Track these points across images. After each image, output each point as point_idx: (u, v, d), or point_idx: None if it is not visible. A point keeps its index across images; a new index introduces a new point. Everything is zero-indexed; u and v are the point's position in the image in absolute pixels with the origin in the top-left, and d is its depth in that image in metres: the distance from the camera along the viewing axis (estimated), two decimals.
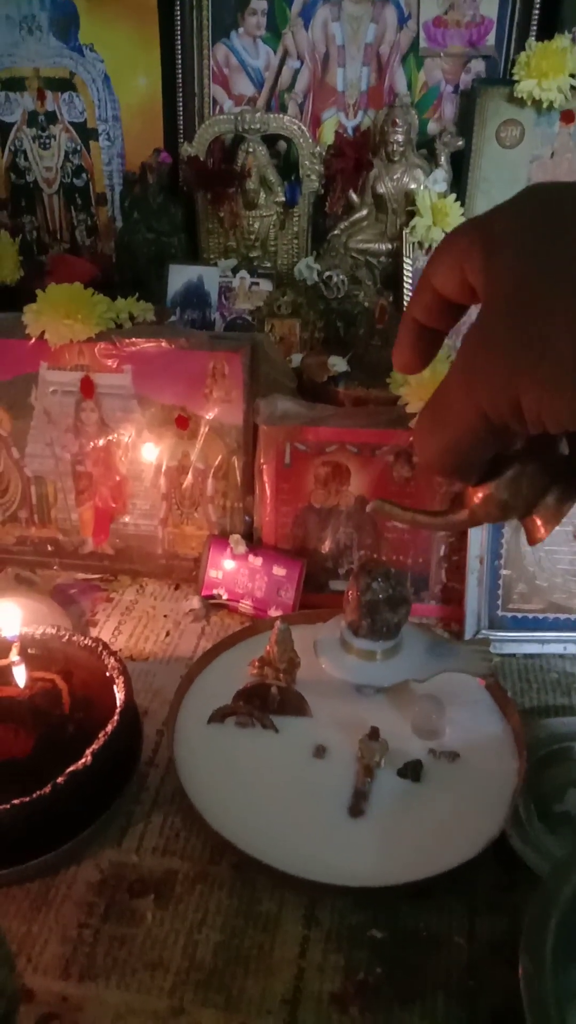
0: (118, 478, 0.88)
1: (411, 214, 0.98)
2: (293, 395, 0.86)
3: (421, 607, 0.84)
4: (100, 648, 0.68)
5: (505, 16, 0.95)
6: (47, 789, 0.55)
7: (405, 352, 0.34)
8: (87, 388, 0.85)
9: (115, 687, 0.64)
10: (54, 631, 0.70)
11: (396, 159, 0.98)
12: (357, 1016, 0.50)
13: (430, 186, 0.98)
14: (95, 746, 0.58)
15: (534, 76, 0.93)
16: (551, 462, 0.34)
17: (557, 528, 0.85)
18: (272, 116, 1.00)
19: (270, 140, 1.01)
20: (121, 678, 0.65)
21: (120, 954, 0.53)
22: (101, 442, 0.87)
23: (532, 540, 0.36)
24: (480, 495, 0.35)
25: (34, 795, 0.55)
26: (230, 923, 0.55)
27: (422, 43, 0.98)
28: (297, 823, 0.60)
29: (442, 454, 0.31)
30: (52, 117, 1.07)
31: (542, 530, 0.35)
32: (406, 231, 0.98)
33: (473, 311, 0.31)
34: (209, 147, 1.01)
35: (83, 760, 0.57)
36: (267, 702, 0.69)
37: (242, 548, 0.85)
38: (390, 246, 1.01)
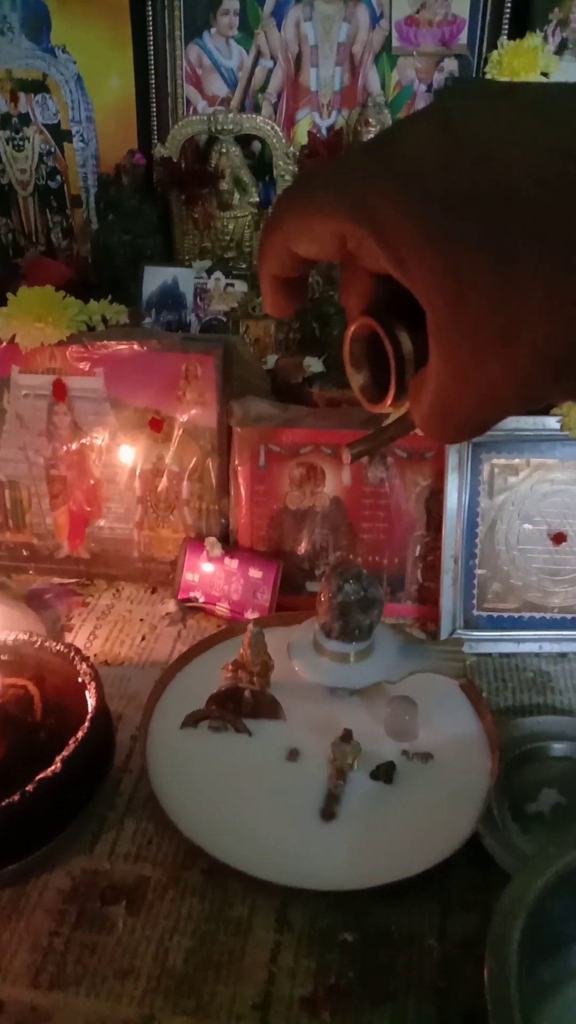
0: (92, 482, 0.88)
1: None
2: (267, 397, 0.86)
3: (397, 607, 0.84)
4: (72, 654, 0.67)
5: (477, 15, 0.96)
6: (16, 797, 0.55)
7: (271, 302, 0.32)
8: (59, 391, 0.85)
9: (87, 693, 0.64)
10: (26, 637, 0.70)
11: None
12: (328, 1020, 0.49)
13: None
14: (65, 753, 0.58)
15: (506, 74, 0.93)
16: None
17: (530, 528, 0.84)
18: (245, 116, 0.99)
19: (244, 140, 1.01)
20: (93, 684, 0.64)
21: (91, 962, 0.52)
22: (74, 446, 0.87)
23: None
24: None
25: (3, 803, 0.54)
26: (201, 929, 0.54)
27: (395, 42, 0.98)
28: (269, 827, 0.59)
29: (470, 434, 0.28)
30: (25, 119, 1.07)
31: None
32: None
33: None
34: (182, 148, 1.01)
35: (53, 767, 0.57)
36: (240, 706, 0.68)
37: (218, 551, 0.84)
38: None
